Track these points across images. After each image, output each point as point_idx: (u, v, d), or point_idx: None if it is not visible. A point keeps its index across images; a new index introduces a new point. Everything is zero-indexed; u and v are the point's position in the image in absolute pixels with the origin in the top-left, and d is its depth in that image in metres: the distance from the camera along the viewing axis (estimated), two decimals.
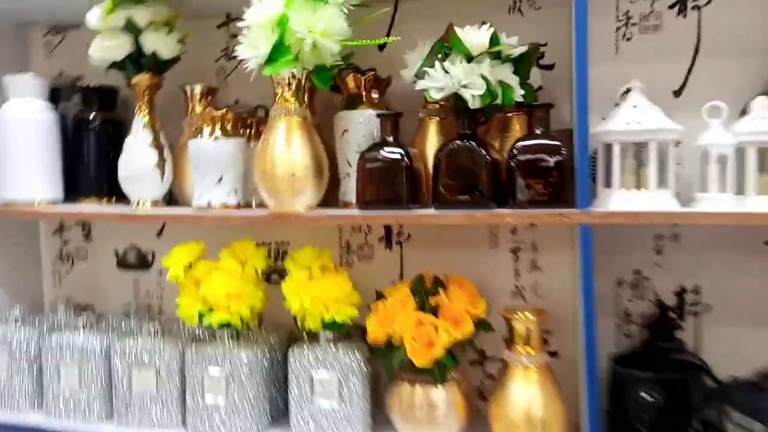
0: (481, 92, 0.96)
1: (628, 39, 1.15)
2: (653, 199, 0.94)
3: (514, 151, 1.00)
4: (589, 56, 0.92)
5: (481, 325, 1.12)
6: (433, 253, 1.28)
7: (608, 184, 0.98)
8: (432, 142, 1.12)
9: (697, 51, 1.11)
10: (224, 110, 1.17)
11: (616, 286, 1.19)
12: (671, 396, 1.01)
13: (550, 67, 1.18)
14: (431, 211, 1.03)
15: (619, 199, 0.95)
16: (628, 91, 0.99)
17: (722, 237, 1.12)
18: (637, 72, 1.05)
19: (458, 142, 1.02)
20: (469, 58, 0.97)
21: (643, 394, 1.02)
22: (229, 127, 1.17)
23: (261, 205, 1.18)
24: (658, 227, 1.15)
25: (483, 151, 1.00)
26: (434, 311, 1.11)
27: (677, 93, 1.12)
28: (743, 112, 0.99)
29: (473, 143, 1.01)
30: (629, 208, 0.94)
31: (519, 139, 1.01)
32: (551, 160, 0.97)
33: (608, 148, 0.97)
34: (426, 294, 1.14)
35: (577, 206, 0.95)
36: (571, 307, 1.18)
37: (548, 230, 1.22)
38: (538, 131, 1.00)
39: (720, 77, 1.09)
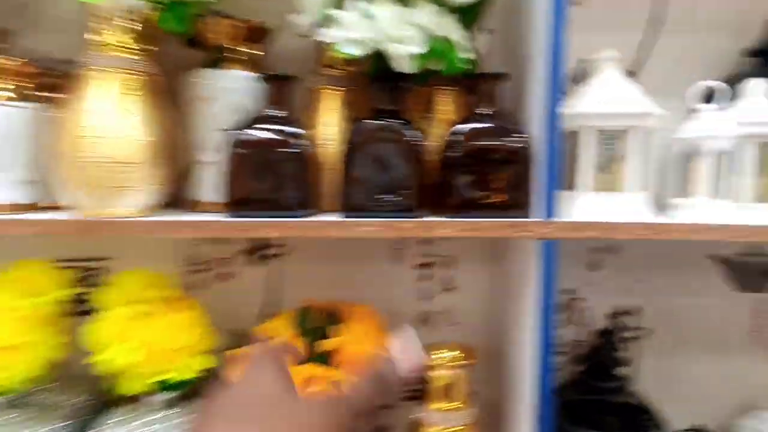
0: (421, 50, 0.66)
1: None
2: (630, 206, 0.73)
3: (455, 138, 0.72)
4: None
5: None
6: (315, 270, 0.96)
7: (571, 184, 0.74)
8: (330, 122, 0.80)
9: (656, 24, 0.93)
10: (20, 62, 0.75)
11: None
12: None
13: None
14: (333, 218, 0.72)
15: (588, 205, 0.72)
16: (591, 64, 0.77)
17: (666, 249, 0.96)
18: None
19: (378, 121, 0.72)
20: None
21: None
22: (26, 86, 0.75)
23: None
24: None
25: (415, 136, 0.71)
26: (325, 358, 0.79)
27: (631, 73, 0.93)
28: (708, 98, 0.82)
29: (401, 124, 0.72)
30: (601, 217, 0.71)
31: (463, 121, 0.73)
32: (512, 151, 0.71)
33: (573, 137, 0.74)
34: (316, 333, 0.82)
35: (542, 214, 0.70)
36: (493, 338, 0.95)
37: (468, 241, 0.96)
38: (485, 111, 0.74)
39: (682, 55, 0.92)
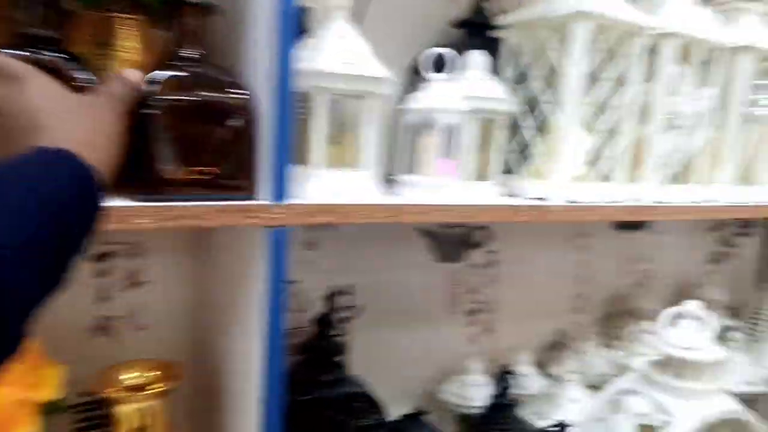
0: None
1: None
2: (366, 184, 0.63)
3: (151, 88, 0.51)
4: None
5: (52, 408, 0.59)
6: None
7: (302, 158, 0.61)
8: None
9: None
10: None
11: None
12: None
13: None
14: None
15: (320, 184, 0.60)
16: (319, 11, 0.63)
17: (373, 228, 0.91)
18: None
19: (27, 52, 0.46)
20: None
21: None
22: None
23: None
24: None
25: (89, 79, 0.48)
26: None
27: None
28: (415, 70, 0.77)
29: (66, 59, 0.47)
30: (336, 198, 0.60)
31: (159, 65, 0.52)
32: (232, 108, 0.53)
33: (304, 99, 0.60)
34: None
35: (270, 195, 0.55)
36: (189, 338, 0.78)
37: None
38: (189, 54, 0.54)
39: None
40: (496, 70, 0.78)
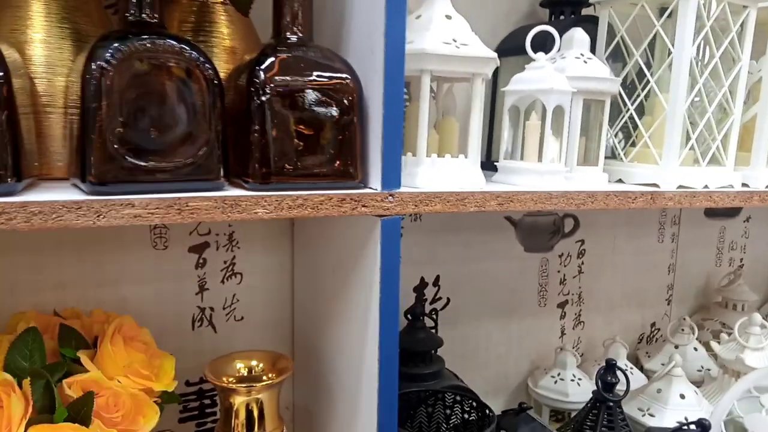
0: None
1: None
2: (472, 171, 0.60)
3: (264, 75, 0.50)
4: None
5: (167, 398, 0.59)
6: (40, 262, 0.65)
7: (408, 146, 0.59)
8: (46, 40, 0.50)
9: None
10: None
11: None
12: None
13: None
14: (63, 198, 0.44)
15: (428, 172, 0.58)
16: None
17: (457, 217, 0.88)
18: None
19: (141, 40, 0.45)
20: None
21: None
22: None
23: None
24: None
25: (207, 64, 0.47)
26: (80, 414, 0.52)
27: None
28: (506, 51, 0.73)
29: (178, 45, 0.46)
30: (445, 186, 0.58)
31: (272, 51, 0.51)
32: (339, 94, 0.51)
33: (409, 83, 0.58)
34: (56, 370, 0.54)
35: (382, 184, 0.53)
36: (288, 329, 0.77)
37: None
38: (291, 38, 0.53)
39: None
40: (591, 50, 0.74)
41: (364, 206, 0.52)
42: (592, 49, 0.71)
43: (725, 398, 0.79)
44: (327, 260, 0.67)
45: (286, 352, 0.77)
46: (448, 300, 0.90)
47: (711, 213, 1.15)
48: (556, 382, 0.90)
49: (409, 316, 0.81)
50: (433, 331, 0.90)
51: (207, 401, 0.75)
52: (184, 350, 0.71)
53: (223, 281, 0.74)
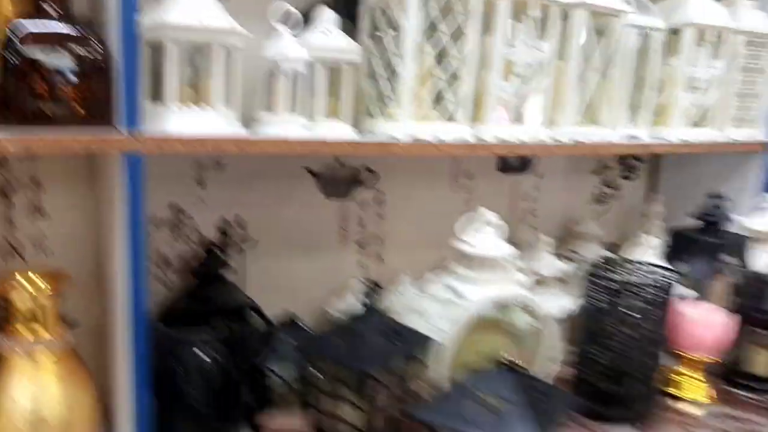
0: None
1: None
2: (217, 120, 0.75)
3: (16, 39, 0.62)
4: None
5: None
6: None
7: (157, 97, 0.73)
8: None
9: None
10: None
11: (151, 226, 0.96)
12: (230, 350, 0.89)
13: None
14: None
15: (175, 119, 0.72)
16: None
17: (267, 163, 1.03)
18: None
19: None
20: None
21: (197, 354, 0.87)
22: None
23: None
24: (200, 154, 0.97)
25: None
26: None
27: None
28: (306, 19, 0.88)
29: None
30: (189, 131, 0.72)
31: (20, 21, 0.64)
32: (86, 57, 0.65)
33: (157, 49, 0.71)
34: None
35: (123, 126, 0.67)
36: (89, 261, 0.90)
37: (54, 161, 0.87)
38: (50, 11, 0.65)
39: None
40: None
41: (108, 145, 0.66)
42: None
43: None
44: (104, 195, 0.80)
45: (85, 279, 0.89)
46: (254, 240, 1.05)
47: (504, 168, 1.34)
48: (344, 303, 1.07)
49: (205, 250, 0.96)
50: (233, 262, 1.04)
51: None
52: None
53: (28, 219, 0.86)
